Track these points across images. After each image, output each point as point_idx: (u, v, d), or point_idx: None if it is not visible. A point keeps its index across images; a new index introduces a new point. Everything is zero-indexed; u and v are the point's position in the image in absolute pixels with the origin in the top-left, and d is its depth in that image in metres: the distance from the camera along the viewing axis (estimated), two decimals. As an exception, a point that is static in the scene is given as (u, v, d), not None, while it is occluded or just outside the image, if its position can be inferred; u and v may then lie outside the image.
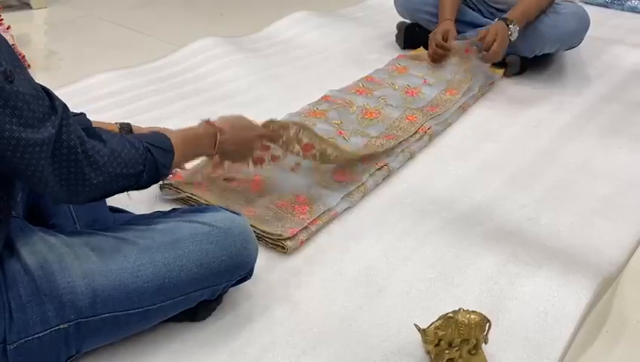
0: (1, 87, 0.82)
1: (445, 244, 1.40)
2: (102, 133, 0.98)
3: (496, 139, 1.87)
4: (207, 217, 1.11)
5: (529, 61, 2.26)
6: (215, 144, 1.24)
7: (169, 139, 1.10)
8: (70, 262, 0.98)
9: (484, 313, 1.09)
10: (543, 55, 2.26)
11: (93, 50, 2.53)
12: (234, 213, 1.15)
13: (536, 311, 1.22)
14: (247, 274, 1.16)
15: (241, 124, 1.34)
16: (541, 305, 1.23)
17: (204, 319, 1.17)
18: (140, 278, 1.01)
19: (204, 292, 1.10)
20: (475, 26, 2.29)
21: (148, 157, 1.03)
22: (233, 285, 1.16)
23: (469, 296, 1.25)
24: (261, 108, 1.86)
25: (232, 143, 1.29)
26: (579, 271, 1.31)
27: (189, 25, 2.86)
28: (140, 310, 1.03)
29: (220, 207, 1.17)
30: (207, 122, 1.26)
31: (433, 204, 1.55)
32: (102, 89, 2.08)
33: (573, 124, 1.96)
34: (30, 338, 0.94)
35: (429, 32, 2.30)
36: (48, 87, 0.91)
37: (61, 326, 0.96)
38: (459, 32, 2.26)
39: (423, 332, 1.09)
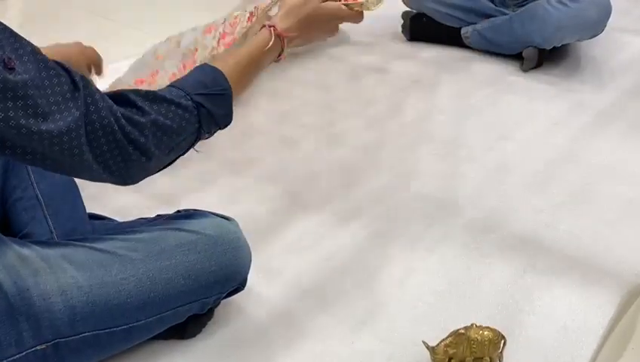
0: (3, 79, 0.76)
1: (455, 253, 1.40)
2: (135, 98, 0.89)
3: (510, 138, 1.87)
4: (194, 224, 1.10)
5: (546, 53, 2.25)
6: (280, 54, 1.12)
7: (222, 74, 1.00)
8: (46, 278, 0.97)
9: (498, 329, 1.09)
10: (561, 45, 2.25)
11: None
12: (224, 218, 1.15)
13: (556, 326, 1.22)
14: (239, 286, 1.16)
15: (313, 19, 1.16)
16: (560, 320, 1.23)
17: (194, 335, 1.17)
18: (123, 293, 1.01)
19: (192, 306, 1.09)
20: (488, 15, 2.29)
21: (201, 112, 0.95)
22: (225, 297, 1.15)
23: (481, 310, 1.25)
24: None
25: (303, 40, 1.19)
26: (601, 283, 1.31)
27: (175, 15, 2.85)
28: (123, 327, 1.02)
29: (209, 213, 1.16)
30: (269, 28, 1.11)
31: (442, 208, 1.55)
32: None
33: (595, 122, 1.96)
34: (4, 361, 0.93)
35: (437, 23, 2.29)
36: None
37: (38, 348, 0.95)
38: (469, 23, 2.28)
39: (432, 350, 1.09)
